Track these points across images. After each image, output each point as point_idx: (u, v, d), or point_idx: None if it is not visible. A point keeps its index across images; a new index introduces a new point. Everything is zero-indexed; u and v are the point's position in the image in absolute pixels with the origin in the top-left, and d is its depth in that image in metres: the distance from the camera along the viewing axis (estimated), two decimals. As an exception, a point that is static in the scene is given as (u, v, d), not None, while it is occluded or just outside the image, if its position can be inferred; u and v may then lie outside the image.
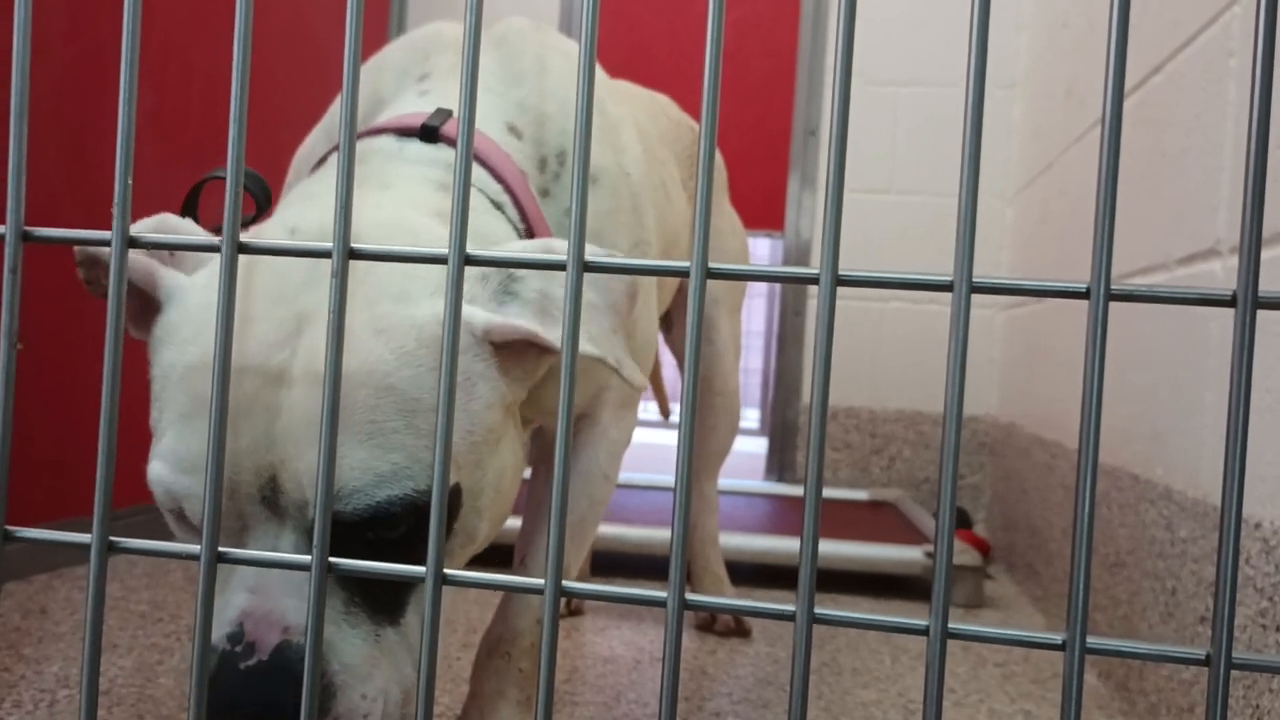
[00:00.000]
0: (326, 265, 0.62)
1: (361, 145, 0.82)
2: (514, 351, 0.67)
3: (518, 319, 0.64)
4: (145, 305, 0.67)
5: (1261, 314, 1.01)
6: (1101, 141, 0.40)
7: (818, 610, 0.43)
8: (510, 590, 0.47)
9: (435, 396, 0.61)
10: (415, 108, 0.86)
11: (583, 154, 0.45)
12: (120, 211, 0.49)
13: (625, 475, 2.52)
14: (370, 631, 0.63)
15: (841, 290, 2.66)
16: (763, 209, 2.77)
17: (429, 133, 0.81)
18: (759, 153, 2.76)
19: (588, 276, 0.60)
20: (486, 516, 0.69)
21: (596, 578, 1.81)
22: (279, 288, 0.63)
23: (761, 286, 5.06)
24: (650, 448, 3.74)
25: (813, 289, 2.77)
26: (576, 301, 0.45)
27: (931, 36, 2.69)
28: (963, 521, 2.32)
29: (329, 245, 0.48)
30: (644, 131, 1.11)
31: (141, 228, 0.63)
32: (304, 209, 0.71)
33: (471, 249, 0.49)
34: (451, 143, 0.81)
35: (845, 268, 0.42)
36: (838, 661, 1.43)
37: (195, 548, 0.49)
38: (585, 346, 0.64)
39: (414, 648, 0.65)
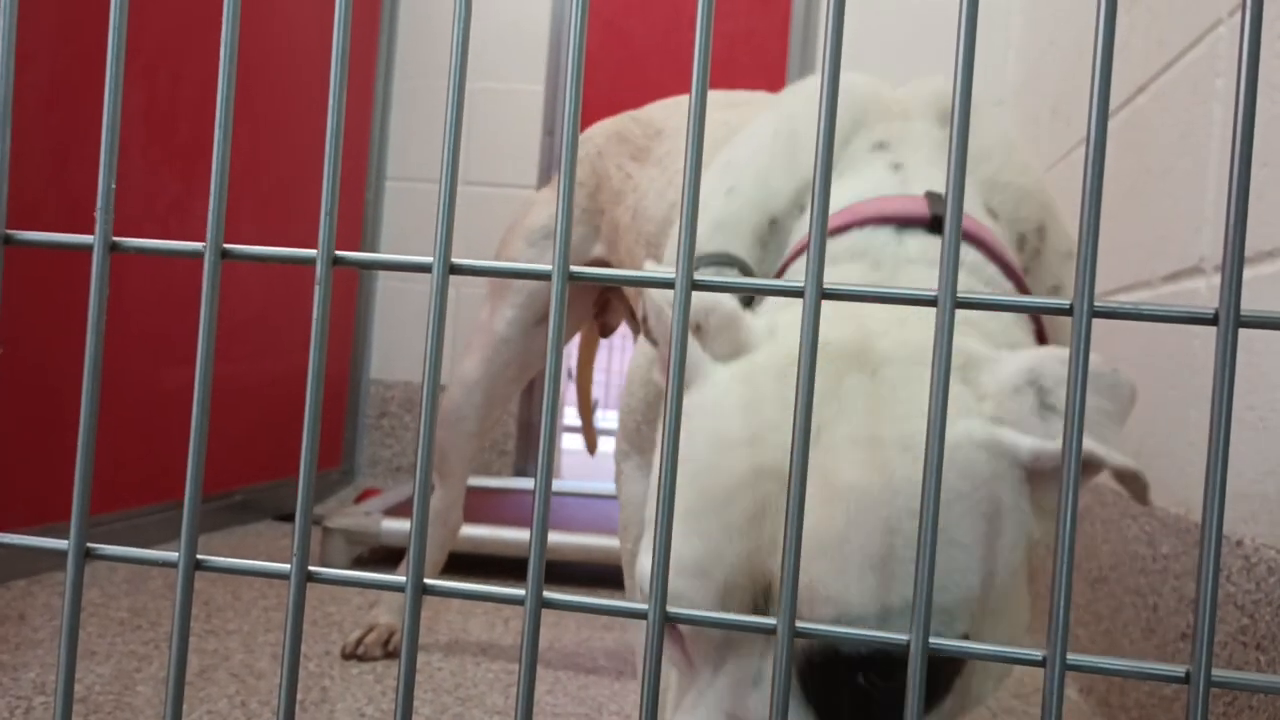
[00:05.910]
0: (845, 381, 0.56)
1: (857, 238, 0.72)
2: (1051, 479, 0.56)
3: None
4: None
5: (1244, 332, 1.01)
6: (1086, 159, 0.40)
7: (799, 624, 0.43)
8: (490, 599, 0.47)
9: (960, 531, 0.53)
10: (890, 185, 0.77)
11: (568, 164, 0.45)
12: (103, 215, 0.49)
13: (609, 484, 2.51)
14: None
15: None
16: (750, 222, 2.77)
17: (938, 223, 0.71)
18: (747, 166, 2.77)
19: (1097, 380, 0.56)
20: (994, 677, 0.59)
21: (578, 589, 1.81)
22: (791, 396, 0.55)
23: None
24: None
25: (799, 302, 2.77)
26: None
27: (919, 53, 2.70)
28: (946, 536, 2.32)
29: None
30: None
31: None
32: (833, 322, 0.60)
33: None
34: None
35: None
36: (820, 675, 1.43)
37: (173, 555, 0.48)
38: (1099, 450, 0.54)
39: None
